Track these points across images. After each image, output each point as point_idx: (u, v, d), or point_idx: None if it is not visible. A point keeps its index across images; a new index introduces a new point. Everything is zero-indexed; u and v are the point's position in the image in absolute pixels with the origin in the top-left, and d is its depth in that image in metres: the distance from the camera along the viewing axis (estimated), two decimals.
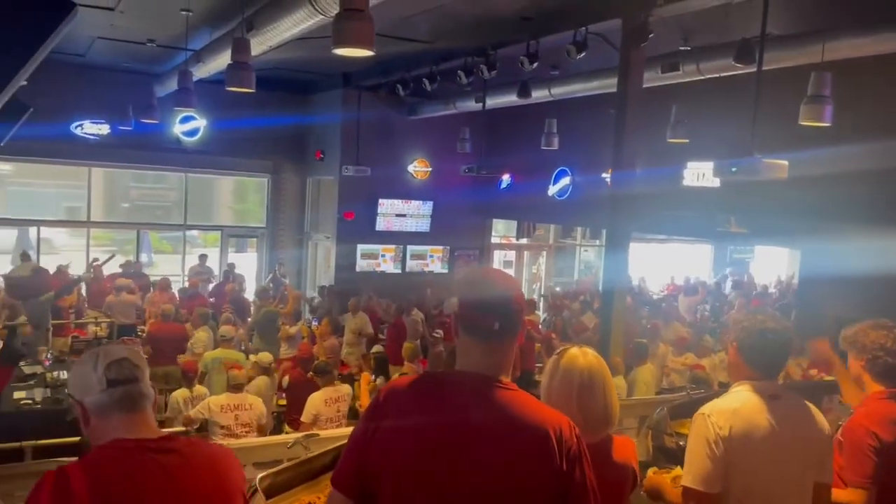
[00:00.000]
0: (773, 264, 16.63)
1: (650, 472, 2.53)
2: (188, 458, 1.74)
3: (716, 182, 8.80)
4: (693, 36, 7.70)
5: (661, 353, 7.61)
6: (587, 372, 2.09)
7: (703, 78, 7.53)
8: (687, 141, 8.82)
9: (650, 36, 6.45)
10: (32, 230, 12.58)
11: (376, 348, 8.22)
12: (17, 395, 6.34)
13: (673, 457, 3.16)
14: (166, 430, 1.83)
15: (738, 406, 2.20)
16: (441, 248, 13.65)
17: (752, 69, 6.12)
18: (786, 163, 4.99)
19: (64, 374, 6.90)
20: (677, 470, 2.43)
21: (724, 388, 6.47)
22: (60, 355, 7.86)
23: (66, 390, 1.80)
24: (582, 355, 2.12)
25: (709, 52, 7.31)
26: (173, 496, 1.68)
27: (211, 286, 11.25)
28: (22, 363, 6.53)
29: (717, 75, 7.38)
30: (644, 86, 6.90)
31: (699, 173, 9.38)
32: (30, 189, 13.31)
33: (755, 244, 15.79)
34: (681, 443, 3.15)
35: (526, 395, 1.75)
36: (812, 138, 6.63)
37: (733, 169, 5.14)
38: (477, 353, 1.74)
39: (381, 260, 13.07)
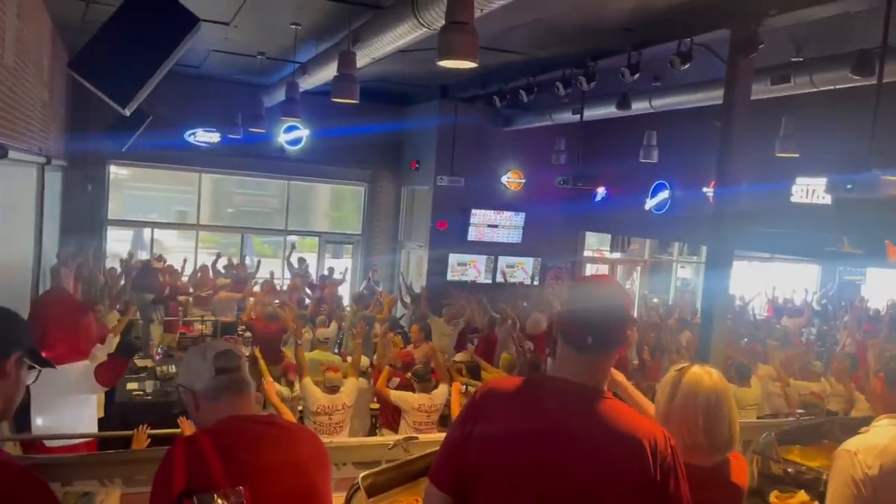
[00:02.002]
0: (887, 287, 15.60)
1: (773, 496, 2.43)
2: (291, 430, 2.00)
3: (827, 199, 8.38)
4: (806, 46, 7.37)
5: (763, 376, 7.28)
6: (714, 394, 2.02)
7: (816, 90, 7.19)
8: (797, 155, 8.44)
9: (760, 46, 6.23)
10: (146, 231, 13.39)
11: (461, 356, 8.25)
12: (130, 386, 6.77)
13: (779, 483, 3.02)
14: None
15: (887, 443, 2.08)
16: (530, 259, 13.56)
17: (872, 81, 5.82)
18: None
19: (172, 368, 7.30)
20: (801, 495, 2.33)
21: (832, 415, 6.14)
22: (169, 350, 8.32)
23: (177, 382, 2.01)
24: (707, 375, 2.05)
25: (823, 63, 6.97)
26: (283, 454, 1.89)
27: (308, 289, 11.59)
28: (135, 357, 6.96)
29: (832, 87, 7.03)
30: (752, 97, 6.66)
31: (809, 189, 8.94)
32: (144, 193, 14.16)
33: (868, 266, 14.87)
34: (789, 470, 3.02)
35: (622, 405, 1.75)
36: None
37: (849, 186, 4.88)
38: (573, 363, 1.76)
39: (468, 268, 13.13)
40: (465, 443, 1.74)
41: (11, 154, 4.96)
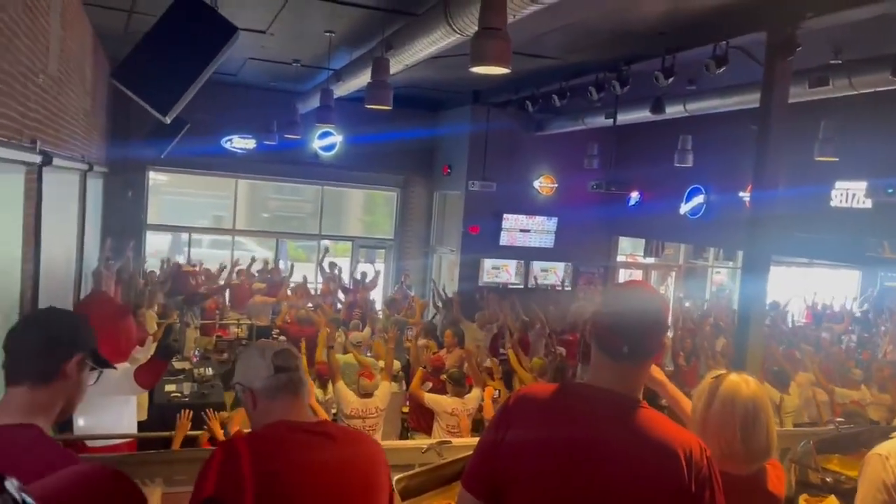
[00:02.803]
0: None
1: (801, 499, 2.40)
2: (343, 446, 1.91)
3: (867, 203, 8.21)
4: (845, 48, 7.23)
5: (802, 383, 7.16)
6: (752, 402, 1.99)
7: (855, 93, 7.05)
8: (836, 159, 8.28)
9: (798, 49, 6.14)
10: (184, 236, 13.65)
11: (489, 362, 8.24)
12: (168, 388, 6.90)
13: (817, 492, 2.98)
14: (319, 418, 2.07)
15: None
16: (561, 264, 13.52)
17: None
18: None
19: (209, 371, 7.43)
20: (831, 499, 2.30)
21: (874, 424, 6.00)
22: (206, 353, 8.46)
23: (235, 380, 2.02)
24: (745, 383, 2.02)
25: (863, 65, 6.84)
26: (325, 466, 1.85)
27: (341, 293, 11.69)
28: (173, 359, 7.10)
29: (872, 90, 6.90)
30: (790, 101, 6.56)
31: (849, 194, 8.77)
32: (182, 198, 14.43)
33: None
34: (827, 479, 2.97)
35: (657, 414, 1.73)
36: None
37: (889, 190, 4.79)
38: (607, 371, 1.76)
39: (501, 271, 13.14)
40: (498, 448, 1.75)
41: (56, 161, 5.11)
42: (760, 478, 2.02)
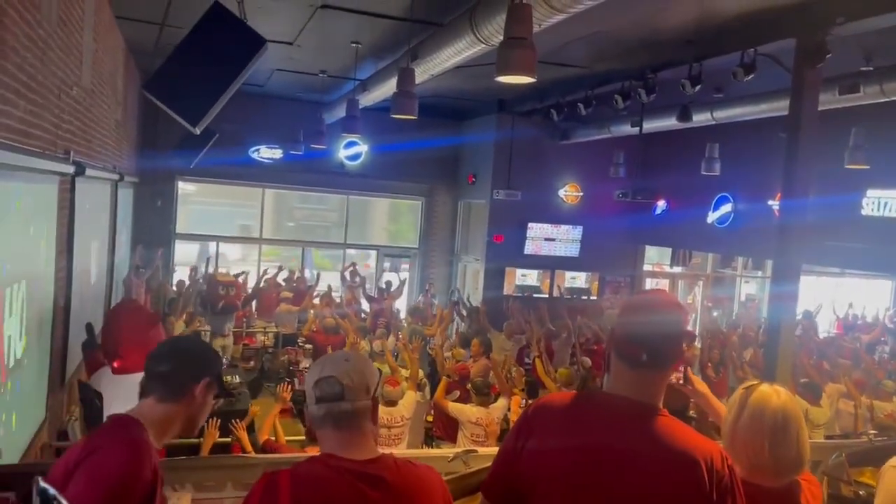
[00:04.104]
0: None
1: None
2: (393, 490, 1.72)
3: None
4: (876, 55, 7.12)
5: (831, 394, 7.04)
6: (781, 413, 1.95)
7: (887, 100, 6.94)
8: (867, 167, 8.15)
9: (827, 56, 6.06)
10: (211, 245, 13.81)
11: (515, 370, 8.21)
12: None
13: None
14: (380, 451, 1.84)
15: None
16: (584, 274, 13.45)
17: None
18: None
19: (237, 378, 7.50)
20: None
21: None
22: (233, 360, 8.55)
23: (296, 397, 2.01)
24: (775, 394, 1.99)
25: (894, 72, 6.73)
26: None
27: (364, 302, 11.73)
28: None
29: None
30: (819, 108, 6.48)
31: (881, 202, 8.62)
32: (210, 208, 14.62)
33: None
34: (860, 492, 2.92)
35: (677, 422, 1.73)
36: None
37: None
38: (626, 380, 1.76)
39: (527, 279, 13.11)
40: (518, 457, 1.75)
41: (88, 172, 5.21)
42: (794, 492, 1.98)
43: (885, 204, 8.52)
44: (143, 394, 1.96)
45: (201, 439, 4.54)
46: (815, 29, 6.06)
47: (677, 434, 1.69)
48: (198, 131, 4.17)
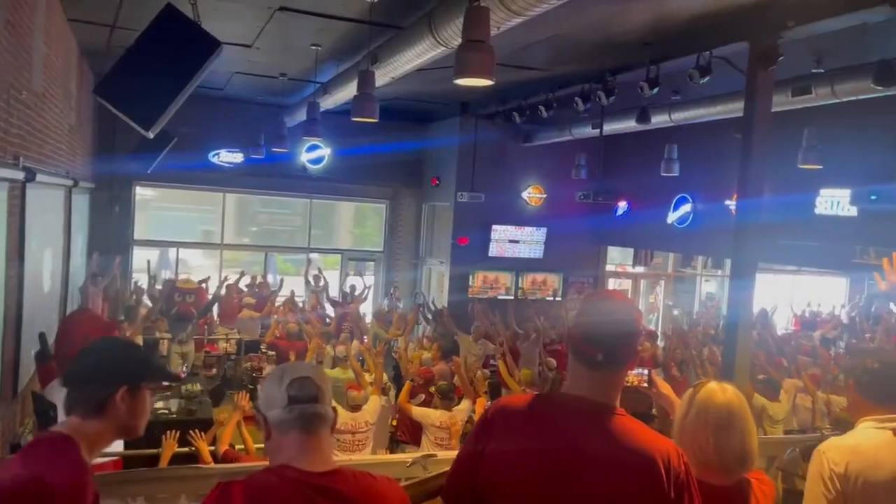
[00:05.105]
0: None
1: None
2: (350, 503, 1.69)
3: (853, 210, 8.27)
4: (827, 57, 7.31)
5: (788, 389, 7.19)
6: (725, 409, 1.97)
7: (838, 101, 7.12)
8: (820, 167, 8.35)
9: (780, 59, 6.19)
10: (171, 251, 13.58)
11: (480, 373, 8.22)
12: (156, 404, 6.83)
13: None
14: (338, 461, 1.80)
15: (857, 442, 2.11)
16: (554, 276, 13.53)
17: (894, 91, 5.76)
18: None
19: (198, 386, 7.37)
20: None
21: None
22: (194, 368, 8.40)
23: (257, 402, 1.87)
24: (721, 391, 2.01)
25: (844, 73, 6.91)
26: None
27: (328, 307, 11.64)
28: None
29: (854, 98, 6.97)
30: (773, 109, 6.62)
31: (834, 201, 8.84)
32: (170, 213, 14.38)
33: None
34: None
35: (634, 422, 1.75)
36: None
37: (873, 197, 4.84)
38: (584, 380, 1.77)
39: (490, 284, 13.14)
40: (478, 460, 1.75)
41: (39, 177, 5.08)
42: (744, 490, 2.00)
43: (838, 203, 8.73)
44: (68, 411, 1.86)
45: (160, 450, 4.45)
46: (768, 32, 6.18)
47: (634, 433, 1.71)
48: (151, 135, 4.09)
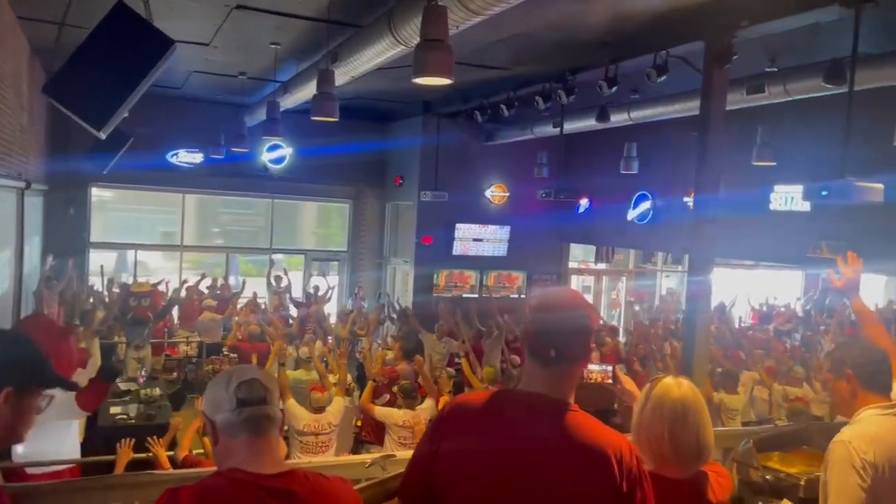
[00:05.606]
0: (870, 292, 15.75)
1: None
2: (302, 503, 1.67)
3: (806, 206, 8.47)
4: (780, 56, 7.47)
5: (746, 381, 7.34)
6: (680, 403, 2.00)
7: (790, 99, 7.29)
8: (774, 163, 8.53)
9: (734, 57, 6.31)
10: (130, 253, 13.31)
11: (444, 372, 8.24)
12: (113, 410, 6.70)
13: (759, 491, 3.04)
14: (289, 463, 1.78)
15: (875, 430, 2.14)
16: (518, 273, 13.61)
17: (843, 89, 5.91)
18: (881, 186, 4.77)
19: (157, 391, 7.25)
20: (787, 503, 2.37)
21: (818, 419, 6.15)
22: (153, 373, 8.25)
23: (203, 408, 1.81)
24: (676, 386, 2.04)
25: (796, 72, 7.07)
26: None
27: (292, 307, 11.54)
28: (118, 379, 6.89)
29: (806, 96, 7.14)
30: (728, 108, 6.74)
31: (788, 197, 9.04)
32: (128, 214, 14.10)
33: None
34: (767, 477, 3.04)
35: (587, 417, 1.76)
36: None
37: (823, 192, 4.94)
38: (538, 376, 1.78)
39: (455, 283, 13.16)
40: (433, 459, 1.75)
41: None
42: (700, 483, 2.03)
43: (792, 198, 8.93)
44: None
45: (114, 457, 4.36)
46: (722, 32, 6.29)
47: (588, 429, 1.72)
48: (103, 135, 3.99)
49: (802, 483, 2.99)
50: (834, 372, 2.32)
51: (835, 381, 2.31)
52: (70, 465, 4.51)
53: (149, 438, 4.43)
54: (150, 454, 4.44)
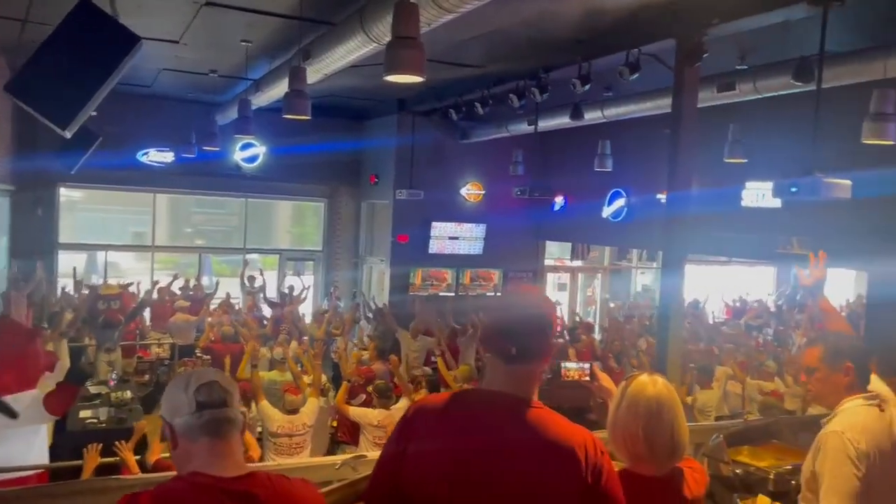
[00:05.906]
0: (839, 287, 16.01)
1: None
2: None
3: (777, 202, 8.58)
4: (750, 54, 7.56)
5: (719, 377, 7.42)
6: (655, 401, 1.99)
7: (761, 96, 7.38)
8: (745, 160, 8.63)
9: (705, 55, 6.37)
10: (100, 254, 13.09)
11: (419, 371, 8.23)
12: (83, 413, 6.59)
13: (730, 485, 3.07)
14: (250, 466, 1.75)
15: (862, 421, 2.19)
16: (494, 271, 13.63)
17: (812, 87, 5.99)
18: (849, 182, 4.83)
19: (128, 394, 7.14)
20: (762, 499, 2.39)
21: (790, 413, 6.22)
22: (125, 375, 8.13)
23: (161, 412, 1.78)
24: (651, 383, 2.03)
25: (766, 70, 7.16)
26: None
27: (265, 307, 11.44)
28: (88, 382, 6.77)
29: (776, 94, 7.23)
30: (699, 105, 6.80)
31: (759, 193, 9.15)
32: (98, 215, 13.88)
33: None
34: (737, 471, 3.06)
35: (551, 413, 1.77)
36: (877, 156, 6.41)
37: (793, 189, 5.00)
38: (501, 374, 1.79)
39: (432, 281, 13.14)
40: (400, 461, 1.74)
41: None
42: (676, 480, 2.03)
43: (763, 195, 9.05)
44: None
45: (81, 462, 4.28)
46: (693, 29, 6.35)
47: (552, 425, 1.73)
48: (69, 135, 3.91)
49: (772, 477, 3.02)
50: (828, 363, 2.33)
51: (829, 373, 2.33)
52: (38, 471, 4.42)
53: (116, 443, 4.35)
54: (119, 458, 4.37)
